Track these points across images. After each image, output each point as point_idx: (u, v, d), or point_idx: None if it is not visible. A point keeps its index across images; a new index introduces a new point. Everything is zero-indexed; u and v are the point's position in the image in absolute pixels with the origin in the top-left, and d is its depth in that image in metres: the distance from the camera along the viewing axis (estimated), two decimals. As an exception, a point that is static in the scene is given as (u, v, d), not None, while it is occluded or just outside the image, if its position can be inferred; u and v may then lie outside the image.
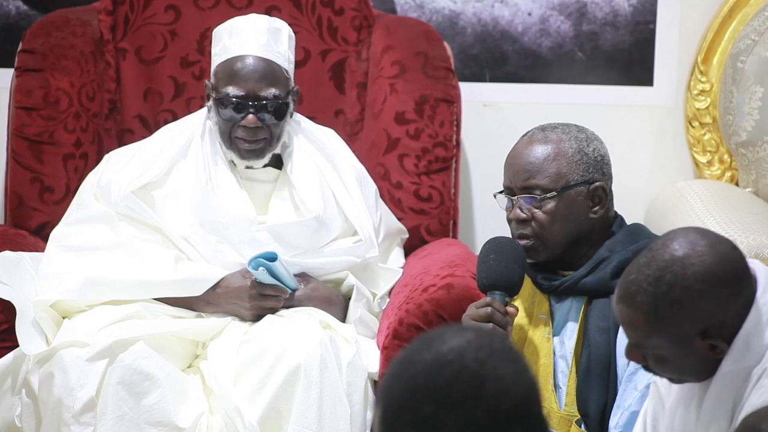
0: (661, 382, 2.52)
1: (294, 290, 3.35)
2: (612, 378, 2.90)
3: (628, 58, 4.15)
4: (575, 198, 2.97)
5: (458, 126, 3.79)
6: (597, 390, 2.91)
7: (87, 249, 3.35)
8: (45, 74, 3.73)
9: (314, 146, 3.54)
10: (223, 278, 3.32)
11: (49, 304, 3.25)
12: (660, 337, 2.32)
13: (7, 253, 3.37)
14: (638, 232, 3.02)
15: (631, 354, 2.39)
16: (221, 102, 3.39)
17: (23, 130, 3.72)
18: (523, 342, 3.00)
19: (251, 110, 3.38)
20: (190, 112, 3.67)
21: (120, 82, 3.86)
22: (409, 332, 3.20)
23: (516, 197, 2.98)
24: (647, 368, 2.40)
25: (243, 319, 3.32)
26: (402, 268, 3.55)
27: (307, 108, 3.78)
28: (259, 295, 3.30)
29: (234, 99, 3.38)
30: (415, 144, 3.76)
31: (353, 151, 3.63)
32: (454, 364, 1.86)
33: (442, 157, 3.77)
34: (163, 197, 3.42)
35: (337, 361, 3.17)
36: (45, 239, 3.48)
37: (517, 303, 2.99)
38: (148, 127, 3.84)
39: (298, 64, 3.70)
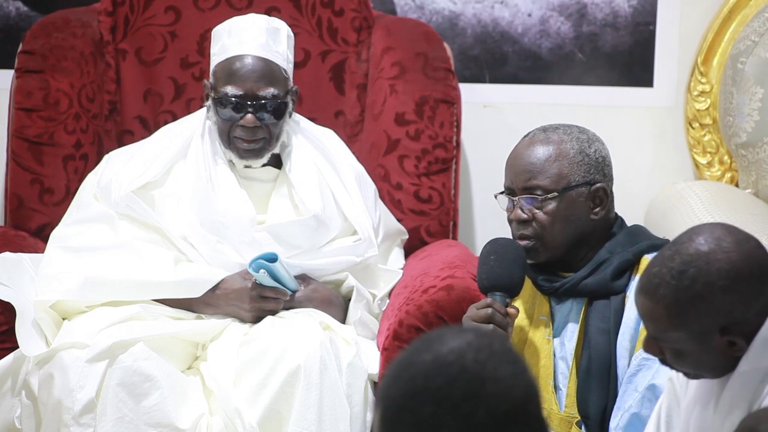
0: (677, 380, 2.52)
1: (294, 291, 3.35)
2: (612, 379, 2.90)
3: (628, 59, 4.15)
4: (576, 199, 2.97)
5: (458, 127, 3.79)
6: (597, 391, 2.90)
7: (87, 250, 3.35)
8: (45, 75, 3.74)
9: (313, 146, 3.54)
10: (222, 280, 3.32)
11: (49, 305, 3.25)
12: (679, 331, 2.32)
13: (7, 255, 3.37)
14: (638, 233, 3.02)
15: (648, 347, 2.39)
16: (220, 101, 3.40)
17: (23, 132, 3.72)
18: (524, 343, 3.00)
19: (250, 110, 3.38)
20: (190, 113, 3.67)
21: (120, 83, 3.86)
22: (409, 333, 3.20)
23: (517, 198, 2.98)
24: (664, 362, 2.39)
25: (243, 320, 3.32)
26: (402, 269, 3.55)
27: (307, 109, 3.78)
28: (260, 297, 3.30)
29: (232, 98, 3.38)
30: (415, 145, 3.76)
31: (353, 152, 3.63)
32: (453, 366, 1.86)
33: (442, 158, 3.77)
34: (163, 197, 3.42)
35: (337, 362, 3.17)
36: (45, 240, 3.48)
37: (518, 304, 2.99)
38: (148, 128, 3.84)
39: (298, 65, 3.70)
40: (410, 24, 3.97)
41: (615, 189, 3.03)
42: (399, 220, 3.70)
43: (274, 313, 3.32)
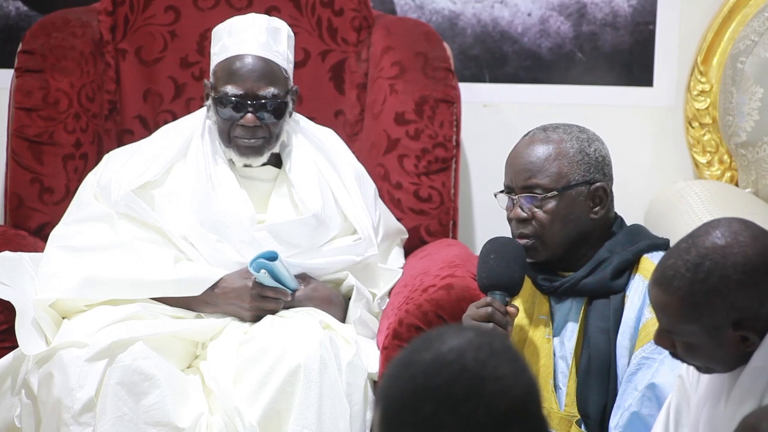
0: (687, 377, 2.52)
1: (294, 290, 3.35)
2: (612, 378, 2.90)
3: (627, 58, 4.15)
4: (576, 198, 2.97)
5: (458, 126, 3.79)
6: (597, 390, 2.91)
7: (86, 249, 3.35)
8: (45, 75, 3.73)
9: (313, 145, 3.54)
10: (222, 278, 3.32)
11: (49, 303, 3.25)
12: (692, 324, 2.32)
13: (7, 254, 3.37)
14: (638, 233, 3.02)
15: (660, 340, 2.39)
16: (220, 101, 3.40)
17: (23, 131, 3.72)
18: (523, 342, 3.00)
19: (250, 109, 3.38)
20: (189, 113, 3.67)
21: (120, 82, 3.86)
22: (409, 332, 3.20)
23: (516, 197, 2.98)
24: (675, 355, 2.39)
25: (242, 319, 3.32)
26: (402, 268, 3.55)
27: (307, 108, 3.78)
28: (259, 297, 3.30)
29: (233, 98, 3.38)
30: (415, 144, 3.76)
31: (353, 152, 3.63)
32: (454, 364, 1.86)
33: (442, 158, 3.77)
34: (163, 196, 3.42)
35: (337, 361, 3.16)
36: (45, 240, 3.48)
37: (518, 303, 2.99)
38: (148, 128, 3.84)
39: (298, 64, 3.70)
40: (410, 24, 3.97)
41: (615, 189, 3.03)
42: (399, 220, 3.70)
43: (273, 312, 3.32)
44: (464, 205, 4.10)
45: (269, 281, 3.29)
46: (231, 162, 3.47)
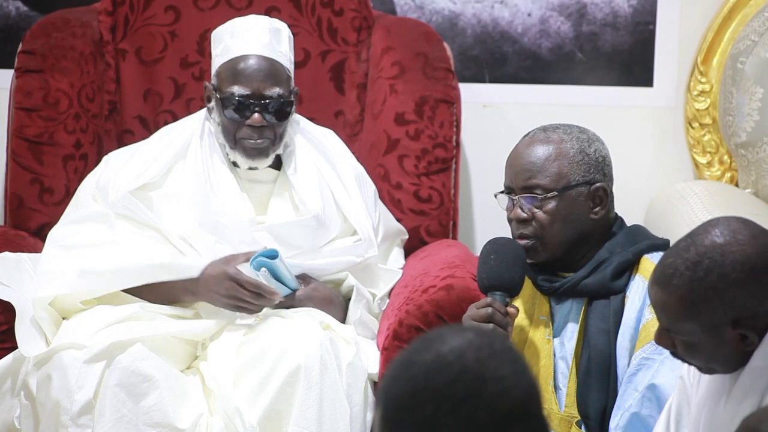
0: (688, 378, 2.52)
1: (294, 290, 3.35)
2: (612, 379, 2.90)
3: (627, 58, 4.15)
4: (576, 198, 2.97)
5: (458, 127, 3.79)
6: (597, 391, 2.90)
7: (82, 247, 3.34)
8: (45, 75, 3.73)
9: (313, 146, 3.54)
10: (207, 265, 3.30)
11: (48, 302, 3.25)
12: (692, 323, 2.32)
13: (7, 254, 3.37)
14: (638, 233, 3.02)
15: (660, 339, 2.39)
16: (225, 102, 3.39)
17: (23, 131, 3.72)
18: (524, 343, 3.00)
19: (256, 109, 3.37)
20: (190, 113, 3.67)
21: (120, 83, 3.86)
22: (409, 333, 3.20)
23: (517, 197, 2.98)
24: (675, 354, 2.39)
25: (227, 312, 3.28)
26: (402, 269, 3.55)
27: (306, 109, 3.78)
28: (236, 287, 3.25)
29: (238, 98, 3.38)
30: (415, 145, 3.76)
31: (353, 152, 3.63)
32: (454, 365, 1.86)
33: (442, 158, 3.77)
34: (162, 197, 3.41)
35: (337, 362, 3.16)
36: (45, 240, 3.47)
37: (518, 304, 2.99)
38: (148, 128, 3.84)
39: (298, 64, 3.70)
40: (410, 24, 3.97)
41: (615, 189, 3.03)
42: (399, 220, 3.70)
43: (252, 312, 3.28)
44: (464, 206, 4.10)
45: (269, 281, 3.29)
46: (232, 164, 3.46)
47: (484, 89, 4.16)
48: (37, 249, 3.51)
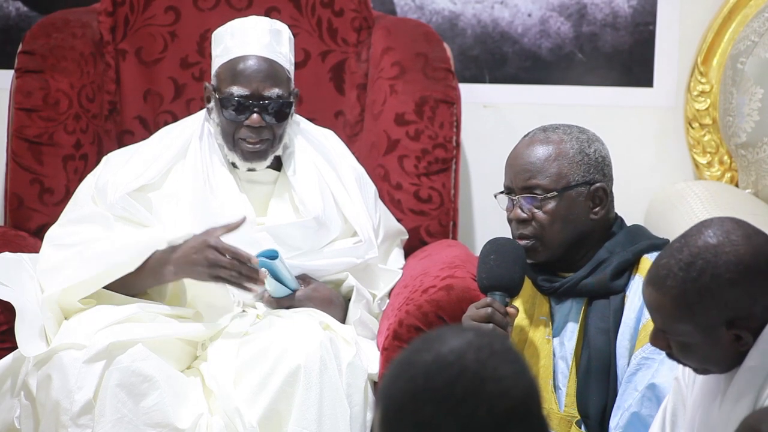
0: (683, 379, 2.52)
1: (294, 290, 3.35)
2: (612, 379, 2.90)
3: (628, 59, 4.15)
4: (576, 199, 2.97)
5: (458, 127, 3.79)
6: (597, 391, 2.91)
7: (78, 245, 3.34)
8: (45, 76, 3.73)
9: (313, 147, 3.54)
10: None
11: (56, 298, 3.24)
12: (686, 324, 2.32)
13: (7, 255, 3.37)
14: (638, 233, 3.02)
15: (655, 340, 2.39)
16: (225, 102, 3.39)
17: (23, 132, 3.72)
18: (523, 343, 3.00)
19: (255, 110, 3.37)
20: (190, 113, 3.67)
21: (120, 83, 3.86)
22: (409, 333, 3.20)
23: (516, 197, 2.98)
24: (671, 355, 2.39)
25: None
26: (402, 269, 3.55)
27: (306, 109, 3.78)
28: (216, 254, 3.20)
29: (237, 99, 3.38)
30: (415, 145, 3.76)
31: (353, 153, 3.63)
32: (454, 365, 1.86)
33: (442, 159, 3.77)
34: (161, 199, 3.41)
35: (337, 362, 3.16)
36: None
37: (518, 304, 2.99)
38: (147, 129, 3.84)
39: (298, 65, 3.70)
40: (410, 24, 3.97)
41: (615, 189, 3.03)
42: (399, 220, 3.70)
43: (232, 283, 3.22)
44: (464, 206, 4.10)
45: (269, 281, 3.29)
46: (232, 165, 3.46)
47: (484, 89, 4.16)
48: (37, 249, 3.50)
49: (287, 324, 3.24)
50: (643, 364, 2.85)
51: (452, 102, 3.79)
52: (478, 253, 3.02)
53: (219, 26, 3.50)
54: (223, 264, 3.20)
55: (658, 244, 2.97)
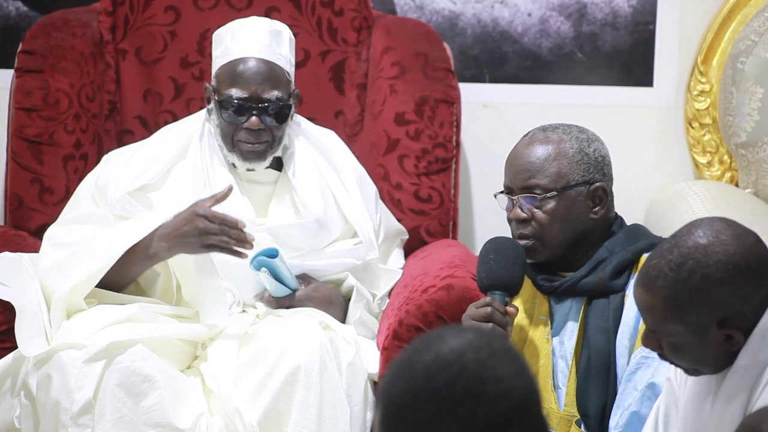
0: (675, 379, 2.52)
1: (294, 290, 3.35)
2: (612, 378, 2.90)
3: (627, 58, 4.15)
4: (575, 198, 2.97)
5: (458, 127, 3.79)
6: (597, 390, 2.91)
7: (77, 243, 3.33)
8: (45, 75, 3.73)
9: (314, 148, 3.53)
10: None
11: (66, 297, 3.23)
12: (677, 324, 2.32)
13: (7, 254, 3.37)
14: (638, 232, 3.02)
15: (647, 340, 2.40)
16: (224, 104, 3.38)
17: (23, 131, 3.72)
18: (523, 343, 3.00)
19: (254, 112, 3.37)
20: (190, 113, 3.67)
21: (120, 83, 3.86)
22: (409, 333, 3.20)
23: (516, 197, 2.98)
24: (662, 356, 2.40)
25: (192, 252, 3.26)
26: (402, 269, 3.55)
27: (306, 109, 3.78)
28: (206, 222, 3.20)
29: (236, 101, 3.37)
30: (415, 145, 3.76)
31: (353, 152, 3.63)
32: (454, 365, 1.86)
33: (442, 158, 3.77)
34: (161, 199, 3.41)
35: (337, 362, 3.17)
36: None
37: (517, 304, 2.99)
38: (147, 128, 3.84)
39: (298, 65, 3.70)
40: (410, 24, 3.97)
41: (615, 189, 3.03)
42: (399, 220, 3.70)
43: (224, 250, 3.22)
44: (464, 206, 4.10)
45: (270, 280, 3.29)
46: (232, 165, 3.46)
47: (484, 89, 4.16)
48: (37, 249, 3.50)
49: (287, 324, 3.24)
50: (642, 363, 2.85)
51: (452, 102, 3.79)
52: (477, 253, 3.02)
53: (219, 26, 3.50)
54: (213, 231, 3.20)
55: (657, 244, 2.97)
